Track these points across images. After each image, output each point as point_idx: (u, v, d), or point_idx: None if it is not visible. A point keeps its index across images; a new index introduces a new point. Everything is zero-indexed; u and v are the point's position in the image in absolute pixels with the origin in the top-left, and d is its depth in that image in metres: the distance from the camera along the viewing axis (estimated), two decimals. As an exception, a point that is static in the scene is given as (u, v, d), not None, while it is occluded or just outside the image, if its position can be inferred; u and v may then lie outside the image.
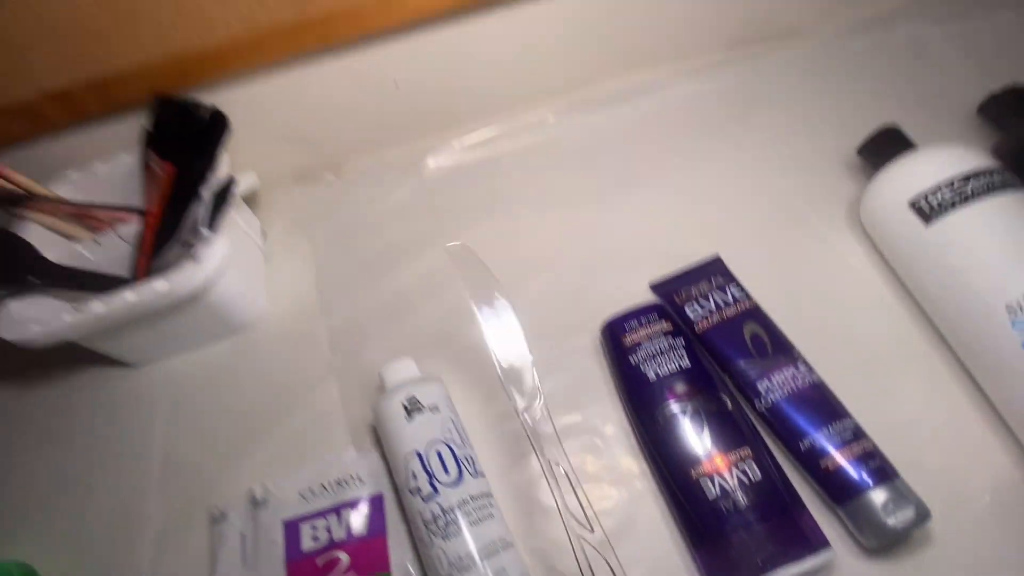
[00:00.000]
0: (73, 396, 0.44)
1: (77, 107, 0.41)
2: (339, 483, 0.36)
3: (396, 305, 0.45)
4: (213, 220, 0.37)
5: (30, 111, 0.40)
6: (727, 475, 0.31)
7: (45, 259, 0.40)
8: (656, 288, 0.41)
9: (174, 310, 0.39)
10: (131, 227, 0.44)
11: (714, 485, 0.31)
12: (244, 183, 0.45)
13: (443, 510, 0.30)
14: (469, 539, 0.29)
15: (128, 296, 0.37)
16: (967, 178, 0.34)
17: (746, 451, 0.32)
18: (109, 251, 0.44)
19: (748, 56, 0.53)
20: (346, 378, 0.42)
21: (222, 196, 0.38)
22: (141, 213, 0.44)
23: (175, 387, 0.44)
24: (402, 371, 0.37)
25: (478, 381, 0.39)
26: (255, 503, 0.36)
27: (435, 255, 0.46)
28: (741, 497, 0.30)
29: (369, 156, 0.53)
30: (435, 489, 0.31)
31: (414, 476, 0.32)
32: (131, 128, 0.44)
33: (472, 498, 0.31)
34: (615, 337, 0.37)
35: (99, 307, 0.37)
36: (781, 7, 0.53)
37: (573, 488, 0.29)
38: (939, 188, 0.35)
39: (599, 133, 0.52)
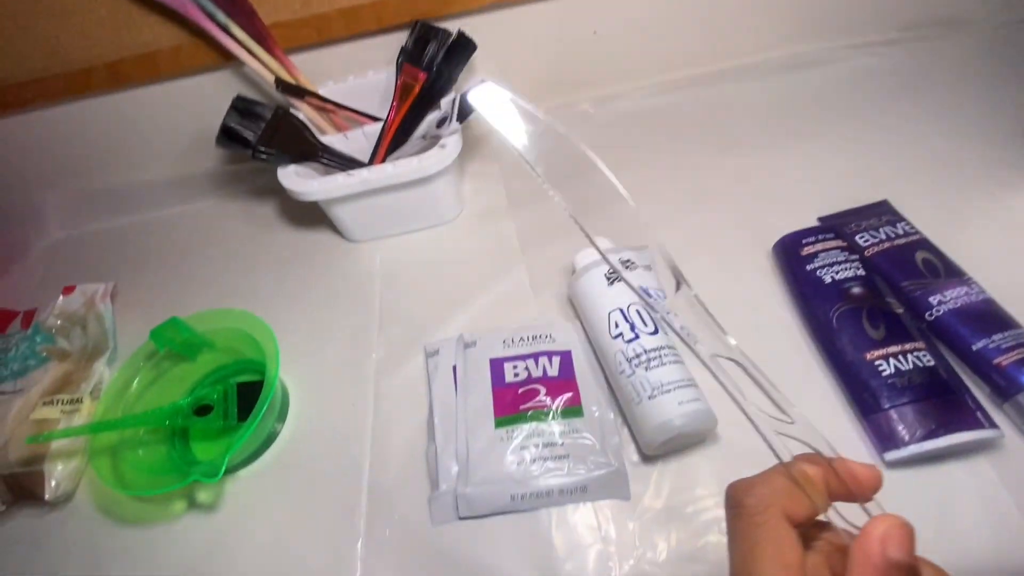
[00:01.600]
0: (312, 255, 0.55)
1: (357, 23, 0.51)
2: (534, 338, 0.44)
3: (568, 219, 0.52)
4: (461, 117, 0.46)
5: (322, 23, 0.51)
6: (902, 359, 0.35)
7: (321, 141, 0.51)
8: (825, 220, 0.46)
9: (408, 188, 0.48)
10: (372, 128, 0.54)
11: (888, 365, 0.35)
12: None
13: (645, 350, 0.37)
14: (667, 372, 0.35)
15: (388, 168, 0.46)
16: None
17: (919, 344, 0.36)
18: (353, 144, 0.54)
19: (921, 38, 0.57)
20: (534, 266, 0.49)
21: (465, 100, 0.46)
22: (380, 120, 0.55)
23: (389, 260, 0.53)
24: (594, 254, 0.44)
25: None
26: (465, 344, 0.44)
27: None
28: (916, 376, 0.34)
29: (559, 96, 0.61)
30: (636, 335, 0.37)
31: (616, 325, 0.38)
32: (387, 47, 0.54)
33: (666, 345, 0.37)
34: (791, 249, 0.42)
35: (366, 173, 0.46)
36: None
37: (757, 382, 0.25)
38: None
39: (772, 94, 0.57)
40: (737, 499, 0.20)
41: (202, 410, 0.44)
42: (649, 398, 0.35)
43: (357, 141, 0.54)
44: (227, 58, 0.52)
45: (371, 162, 0.53)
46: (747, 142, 0.54)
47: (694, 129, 0.56)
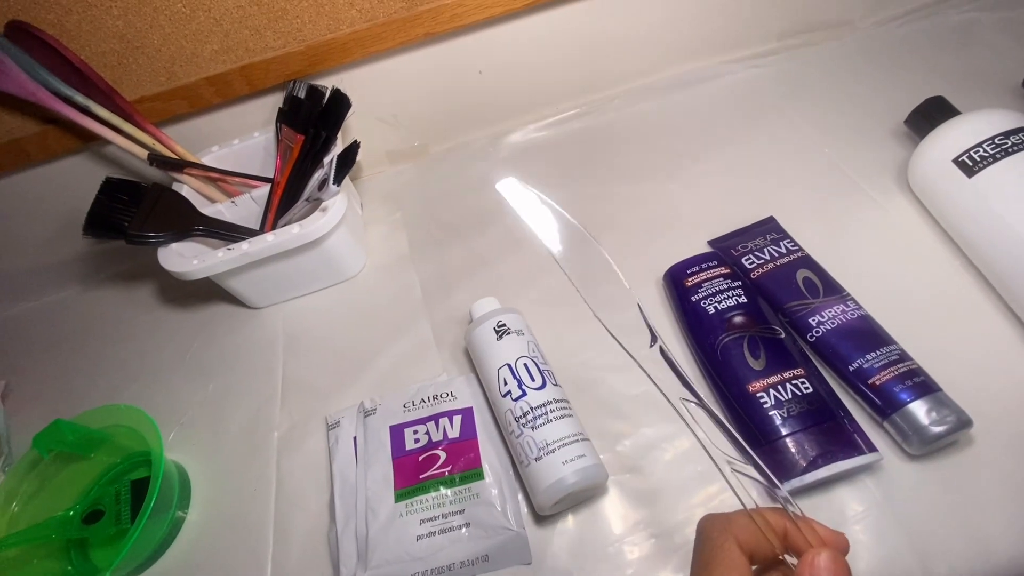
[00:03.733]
0: (208, 328, 0.53)
1: (228, 90, 0.50)
2: (435, 398, 0.43)
3: (476, 260, 0.51)
4: (338, 178, 0.45)
5: (191, 92, 0.50)
6: (781, 389, 0.35)
7: (202, 214, 0.49)
8: (714, 243, 0.46)
9: (299, 254, 0.47)
10: (261, 191, 0.53)
11: (769, 397, 0.35)
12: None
13: (531, 407, 0.36)
14: (554, 430, 0.35)
15: (269, 238, 0.45)
16: (1007, 134, 0.38)
17: (799, 371, 0.36)
18: (242, 210, 0.53)
19: (799, 45, 0.58)
20: (437, 318, 0.48)
21: (345, 158, 0.45)
22: (269, 181, 0.53)
23: (291, 324, 0.52)
24: (488, 305, 0.43)
25: (553, 318, 0.45)
26: (365, 412, 0.43)
27: (508, 220, 0.53)
28: (795, 406, 0.34)
29: (452, 138, 0.61)
30: (524, 392, 0.37)
31: (505, 382, 0.38)
32: (263, 108, 0.53)
33: (555, 400, 0.36)
34: (678, 279, 0.42)
35: (246, 247, 0.45)
36: (831, 1, 0.57)
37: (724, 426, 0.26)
38: (980, 145, 0.38)
39: (660, 116, 0.58)
40: (702, 527, 0.24)
41: (92, 516, 0.42)
42: (536, 460, 0.34)
43: (247, 206, 0.53)
44: (92, 139, 0.50)
45: (262, 227, 0.52)
46: (638, 167, 0.54)
47: (586, 158, 0.56)
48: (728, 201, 0.49)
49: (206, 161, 0.53)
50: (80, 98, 0.46)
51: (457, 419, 0.41)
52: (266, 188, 0.52)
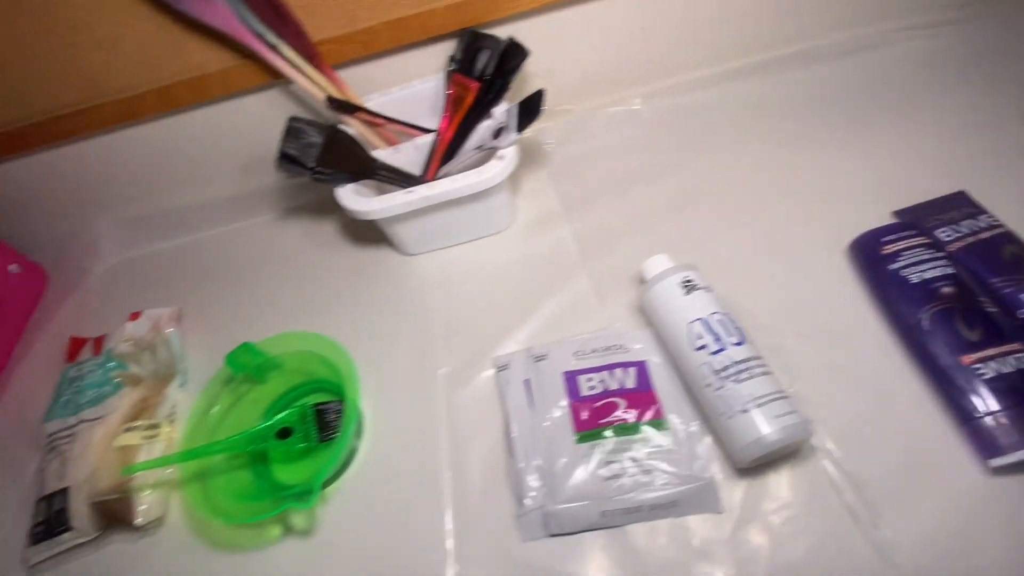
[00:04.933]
0: (368, 269, 0.55)
1: (404, 35, 0.51)
2: (606, 349, 0.43)
3: (632, 220, 0.51)
4: (522, 126, 0.45)
5: (368, 36, 0.51)
6: (1001, 361, 0.34)
7: (375, 158, 0.50)
8: (901, 215, 0.44)
9: (465, 203, 0.48)
10: (423, 140, 0.54)
11: (989, 369, 0.34)
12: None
13: (733, 361, 0.36)
14: (759, 385, 0.35)
15: (446, 184, 0.46)
16: None
17: (1017, 344, 0.35)
18: (403, 157, 0.54)
19: (982, 15, 0.54)
20: (596, 274, 0.49)
21: (528, 106, 0.45)
22: (426, 131, 0.54)
23: (447, 272, 0.53)
24: (663, 262, 0.43)
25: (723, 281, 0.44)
26: (536, 357, 0.44)
27: (665, 183, 0.52)
28: (1017, 379, 0.33)
29: (602, 95, 0.60)
30: (723, 347, 0.37)
31: (699, 336, 0.38)
32: (427, 57, 0.54)
33: (754, 357, 0.36)
34: (870, 248, 0.41)
35: (425, 191, 0.46)
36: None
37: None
38: None
39: (828, 82, 0.55)
40: None
41: (282, 433, 0.45)
42: (742, 412, 0.34)
43: (408, 154, 0.54)
44: (275, 77, 0.51)
45: (423, 175, 0.53)
46: (805, 134, 0.52)
47: (747, 122, 0.55)
48: (909, 172, 0.47)
49: (369, 106, 0.55)
50: (271, 36, 0.48)
51: (632, 371, 0.42)
52: (426, 138, 0.53)
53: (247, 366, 0.46)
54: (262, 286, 0.57)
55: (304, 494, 0.37)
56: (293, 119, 0.48)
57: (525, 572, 0.36)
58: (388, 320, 0.51)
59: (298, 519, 0.40)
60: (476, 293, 0.51)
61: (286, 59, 0.48)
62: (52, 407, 0.52)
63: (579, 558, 0.36)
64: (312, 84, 0.50)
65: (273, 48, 0.48)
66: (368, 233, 0.57)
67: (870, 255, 0.41)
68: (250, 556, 0.40)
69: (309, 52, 0.49)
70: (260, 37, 0.47)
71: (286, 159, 0.46)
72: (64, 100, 0.54)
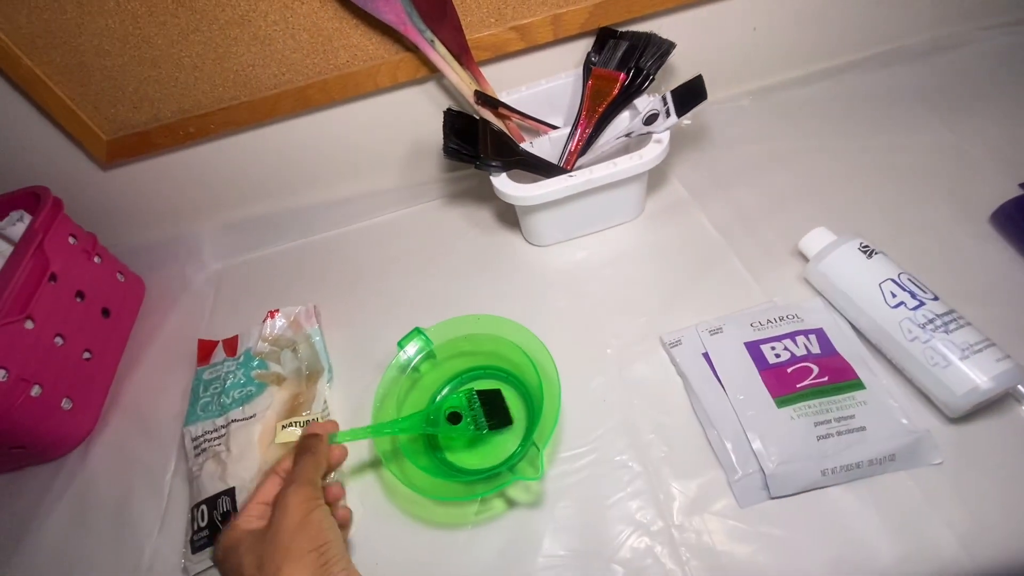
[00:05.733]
0: (505, 261, 0.56)
1: (533, 36, 0.53)
2: (780, 319, 0.44)
3: (767, 204, 0.54)
4: (683, 111, 0.47)
5: (499, 40, 0.53)
6: None
7: (523, 148, 0.52)
8: (1031, 185, 0.48)
9: (608, 190, 0.49)
10: (558, 134, 0.55)
11: None
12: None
13: (936, 314, 0.38)
14: (968, 333, 0.37)
15: (603, 168, 0.47)
16: None
17: None
18: (537, 150, 0.55)
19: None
20: (744, 253, 0.50)
21: (687, 93, 0.48)
22: (553, 127, 0.56)
23: (589, 259, 0.54)
24: (827, 234, 0.45)
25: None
26: (711, 331, 0.45)
27: (790, 170, 0.55)
28: None
29: (713, 92, 0.63)
30: (921, 302, 0.38)
31: (893, 295, 0.39)
32: (560, 56, 0.56)
33: (952, 310, 0.38)
34: (1015, 215, 0.44)
35: (587, 175, 0.47)
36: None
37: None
38: None
39: (927, 76, 0.60)
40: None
41: (452, 418, 0.44)
42: (961, 359, 0.36)
43: (543, 147, 0.55)
44: (434, 71, 0.53)
45: (561, 165, 0.54)
46: (911, 123, 0.56)
47: (859, 113, 0.58)
48: (1017, 151, 0.51)
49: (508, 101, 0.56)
50: (428, 33, 0.49)
51: (812, 337, 0.43)
52: (560, 132, 0.55)
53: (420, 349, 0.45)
54: (390, 282, 0.57)
55: (532, 468, 0.37)
56: (449, 111, 0.50)
57: (751, 536, 0.36)
58: (539, 306, 0.51)
59: (522, 492, 0.39)
60: (622, 278, 0.52)
61: (440, 55, 0.50)
62: (191, 410, 0.50)
63: (808, 518, 0.36)
64: (460, 79, 0.51)
65: (431, 44, 0.49)
66: (501, 226, 0.58)
67: (1018, 221, 0.44)
68: (456, 535, 0.39)
69: (461, 48, 0.51)
70: (420, 33, 0.49)
71: (452, 151, 0.48)
72: (202, 102, 0.54)
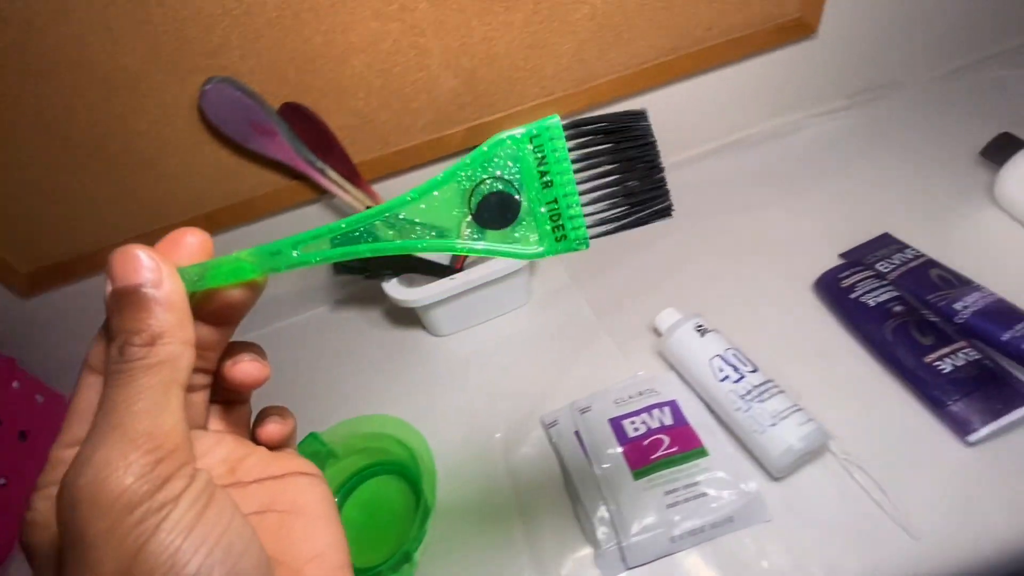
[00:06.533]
0: (406, 352, 0.61)
1: (415, 157, 0.61)
2: (640, 394, 0.50)
3: (636, 283, 0.60)
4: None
5: (397, 158, 0.60)
6: (954, 357, 0.43)
7: (413, 254, 0.58)
8: (846, 256, 0.56)
9: (494, 283, 0.55)
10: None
11: (946, 364, 0.43)
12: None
13: (753, 386, 0.44)
14: (779, 401, 0.42)
15: (479, 269, 0.54)
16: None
17: (962, 342, 0.44)
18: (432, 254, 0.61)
19: (867, 102, 0.71)
20: (615, 330, 0.56)
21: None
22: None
23: (478, 347, 0.59)
24: (673, 314, 0.52)
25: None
26: (581, 410, 0.50)
27: (652, 251, 0.63)
28: (970, 369, 0.42)
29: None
30: (741, 375, 0.44)
31: (720, 369, 0.45)
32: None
33: (768, 379, 0.44)
34: (832, 284, 0.51)
35: (463, 277, 0.53)
36: (886, 63, 0.71)
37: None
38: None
39: (761, 163, 0.69)
40: None
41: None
42: (771, 426, 0.41)
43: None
44: (324, 193, 0.60)
45: (452, 265, 0.61)
46: (752, 204, 0.65)
47: (700, 199, 0.67)
48: (843, 223, 0.59)
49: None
50: (319, 162, 0.56)
51: (667, 409, 0.48)
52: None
53: (316, 453, 0.49)
54: (300, 382, 0.61)
55: (399, 564, 0.40)
56: (340, 228, 0.56)
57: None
58: (434, 396, 0.56)
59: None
60: (511, 363, 0.57)
61: (330, 179, 0.56)
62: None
63: (660, 584, 0.40)
64: (352, 197, 0.58)
65: (321, 171, 0.56)
66: (399, 320, 0.63)
67: (834, 289, 0.51)
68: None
69: (351, 172, 0.57)
70: (310, 163, 0.55)
71: (341, 266, 0.53)
72: (129, 227, 0.59)
